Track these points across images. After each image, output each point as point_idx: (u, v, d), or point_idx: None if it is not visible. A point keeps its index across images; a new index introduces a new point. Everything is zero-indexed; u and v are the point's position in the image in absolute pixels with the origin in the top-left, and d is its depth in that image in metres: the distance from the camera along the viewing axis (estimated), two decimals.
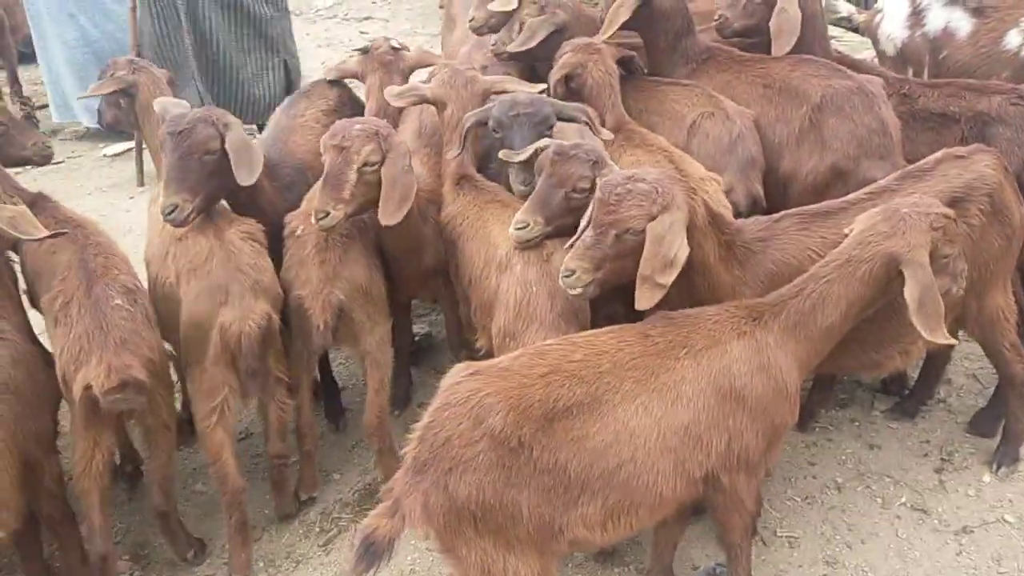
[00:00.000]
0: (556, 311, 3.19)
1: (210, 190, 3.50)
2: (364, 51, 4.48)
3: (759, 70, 4.18)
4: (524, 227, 3.23)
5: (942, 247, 2.86)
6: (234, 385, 3.44)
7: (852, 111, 3.87)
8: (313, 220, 3.36)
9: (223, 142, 3.46)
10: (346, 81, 4.68)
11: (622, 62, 4.17)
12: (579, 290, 2.95)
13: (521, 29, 4.26)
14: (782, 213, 3.31)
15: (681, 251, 2.81)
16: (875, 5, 5.10)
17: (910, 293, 2.76)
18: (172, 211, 3.38)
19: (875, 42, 4.97)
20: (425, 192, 3.73)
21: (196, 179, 3.43)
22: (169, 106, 3.76)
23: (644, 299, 2.83)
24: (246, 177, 3.48)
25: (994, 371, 3.89)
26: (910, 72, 4.82)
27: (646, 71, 4.39)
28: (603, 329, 2.85)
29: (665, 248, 2.81)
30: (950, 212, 2.91)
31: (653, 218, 2.83)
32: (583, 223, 3.02)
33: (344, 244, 3.60)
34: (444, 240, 3.74)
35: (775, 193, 3.95)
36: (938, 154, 3.36)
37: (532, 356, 2.70)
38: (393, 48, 4.44)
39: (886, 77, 4.25)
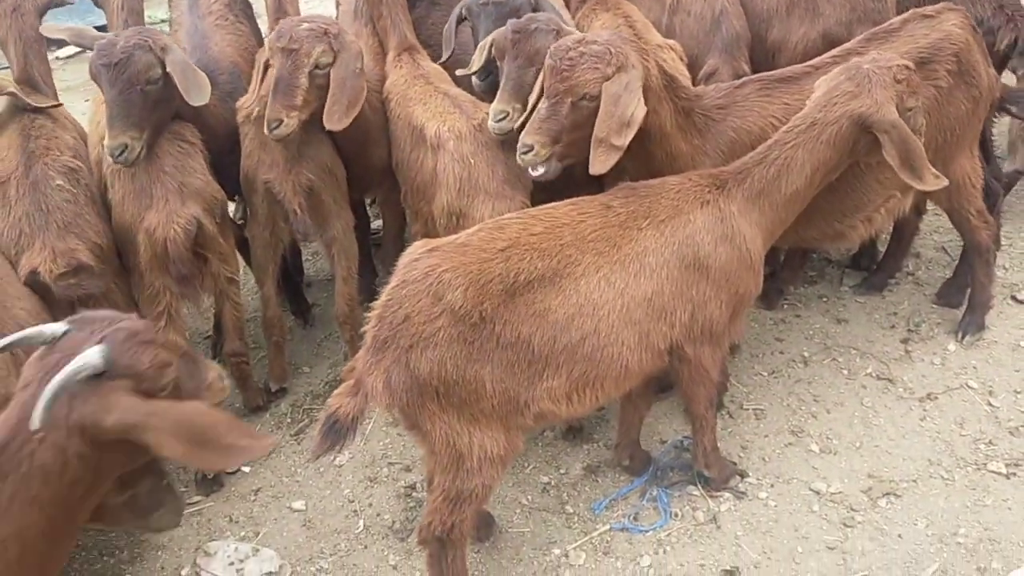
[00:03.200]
0: (499, 179, 3.14)
1: (157, 120, 3.26)
2: None
3: None
4: (503, 117, 3.06)
5: (907, 100, 2.82)
6: (174, 290, 3.32)
7: None
8: (266, 130, 3.20)
9: (164, 67, 3.19)
10: None
11: None
12: (541, 169, 2.88)
13: None
14: (743, 79, 3.24)
15: (638, 110, 2.74)
16: None
17: (889, 152, 2.73)
18: (122, 152, 3.13)
19: None
20: (371, 82, 3.54)
21: (141, 112, 3.17)
22: (87, 33, 3.49)
23: (599, 162, 2.76)
24: (198, 97, 3.23)
25: (963, 243, 3.90)
26: None
27: None
28: (564, 201, 2.79)
29: (621, 107, 2.73)
30: (910, 63, 2.86)
31: (608, 80, 2.75)
32: (534, 95, 2.93)
33: (305, 124, 3.47)
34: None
35: (763, 64, 3.82)
36: (905, 15, 3.28)
37: (491, 230, 2.66)
38: None
39: None
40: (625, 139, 2.73)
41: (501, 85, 3.09)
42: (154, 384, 1.97)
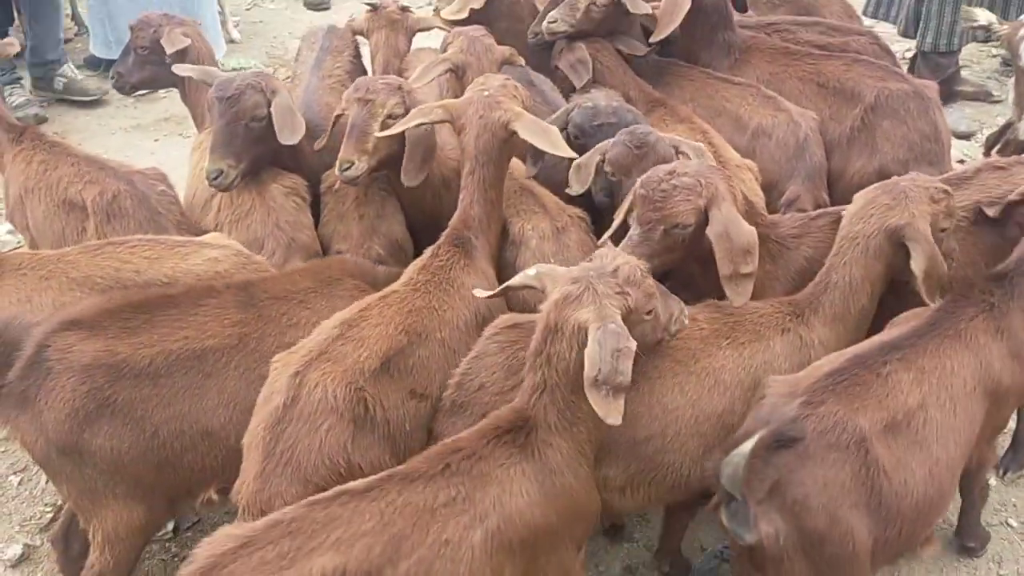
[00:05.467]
0: None
1: (255, 155, 3.54)
2: (373, 8, 4.45)
3: (811, 66, 4.15)
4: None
5: (941, 220, 2.95)
6: None
7: (907, 115, 3.89)
8: (336, 171, 3.38)
9: (270, 107, 3.50)
10: None
11: None
12: None
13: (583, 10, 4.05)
14: (819, 211, 3.37)
15: (751, 234, 2.85)
16: (1022, 17, 4.77)
17: (916, 263, 2.84)
18: (217, 176, 3.44)
19: (1016, 56, 4.57)
20: (452, 160, 3.67)
21: (241, 145, 3.48)
22: (214, 73, 3.81)
23: (738, 295, 2.86)
24: (288, 137, 3.51)
25: None
26: None
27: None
28: None
29: (735, 240, 2.84)
30: (948, 188, 3.01)
31: (700, 210, 2.87)
32: (619, 215, 3.07)
33: (381, 199, 3.65)
34: None
35: None
36: (979, 163, 3.40)
37: None
38: (401, 8, 4.45)
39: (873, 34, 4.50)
40: (753, 264, 2.84)
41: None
42: None
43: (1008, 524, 3.64)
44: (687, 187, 2.87)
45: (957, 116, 6.07)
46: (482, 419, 2.63)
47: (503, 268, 3.33)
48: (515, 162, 3.66)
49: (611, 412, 2.25)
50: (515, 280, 2.65)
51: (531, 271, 2.61)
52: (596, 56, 4.06)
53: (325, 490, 2.43)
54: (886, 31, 6.41)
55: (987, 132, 5.58)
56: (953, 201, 3.01)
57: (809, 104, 4.04)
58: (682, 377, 2.76)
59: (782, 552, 2.43)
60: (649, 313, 2.49)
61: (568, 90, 4.07)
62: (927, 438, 2.57)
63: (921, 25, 6.06)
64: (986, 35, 5.68)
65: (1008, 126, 4.92)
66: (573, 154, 3.22)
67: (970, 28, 5.27)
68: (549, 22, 4.05)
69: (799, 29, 4.46)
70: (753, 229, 2.88)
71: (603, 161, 3.26)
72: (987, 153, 5.12)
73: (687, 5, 4.03)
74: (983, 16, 4.76)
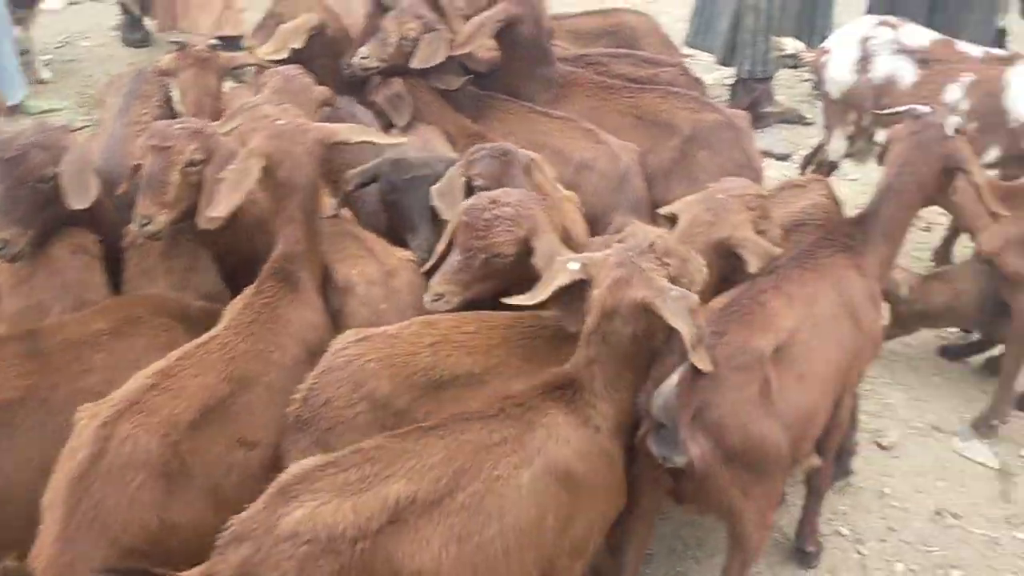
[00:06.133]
0: None
1: (46, 219, 3.19)
2: (180, 47, 4.18)
3: (628, 100, 4.24)
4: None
5: (760, 224, 3.14)
6: None
7: (721, 145, 4.05)
8: (135, 227, 3.11)
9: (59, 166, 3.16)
10: None
11: None
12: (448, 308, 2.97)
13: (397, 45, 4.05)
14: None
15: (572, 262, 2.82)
16: (823, 44, 5.00)
17: (751, 262, 3.00)
18: (2, 248, 3.08)
19: (820, 82, 4.88)
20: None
21: (27, 210, 3.12)
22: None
23: (568, 321, 2.80)
24: (78, 201, 3.17)
25: None
26: (852, 116, 4.77)
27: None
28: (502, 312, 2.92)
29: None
30: (761, 191, 3.27)
31: (520, 240, 2.90)
32: (442, 243, 3.03)
33: (191, 250, 3.40)
34: None
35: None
36: (781, 182, 3.72)
37: (421, 325, 2.81)
38: (210, 46, 4.21)
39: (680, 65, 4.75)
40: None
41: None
42: None
43: (840, 533, 3.73)
44: (508, 218, 2.89)
45: (774, 139, 6.37)
46: (327, 433, 2.62)
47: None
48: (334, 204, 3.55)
49: (708, 362, 2.55)
50: (561, 279, 2.65)
51: (574, 265, 2.64)
52: (412, 92, 4.03)
53: (135, 552, 2.35)
54: (707, 60, 6.72)
55: (802, 153, 5.86)
56: (768, 204, 3.21)
57: (628, 137, 4.11)
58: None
59: (709, 468, 2.68)
60: (685, 277, 2.64)
61: (386, 125, 4.00)
62: (802, 355, 2.89)
63: (738, 54, 6.38)
64: (795, 62, 6.13)
65: (820, 147, 5.21)
66: (389, 139, 3.40)
67: (780, 55, 5.60)
68: (360, 57, 3.98)
69: (611, 61, 4.61)
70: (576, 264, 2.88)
71: (468, 181, 3.25)
72: (803, 173, 5.42)
73: (487, 32, 4.08)
74: (791, 45, 5.04)
